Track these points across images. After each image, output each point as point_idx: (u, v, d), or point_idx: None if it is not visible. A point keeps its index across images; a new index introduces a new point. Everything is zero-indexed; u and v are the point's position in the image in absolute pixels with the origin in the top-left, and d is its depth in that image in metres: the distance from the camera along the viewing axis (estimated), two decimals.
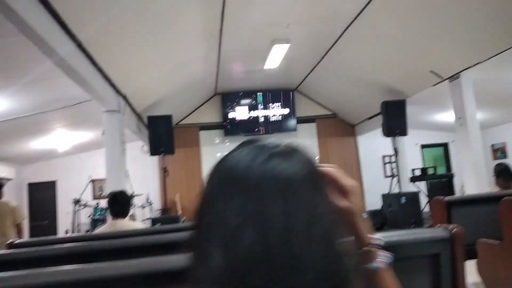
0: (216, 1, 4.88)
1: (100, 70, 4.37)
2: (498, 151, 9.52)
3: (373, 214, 7.18)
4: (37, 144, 7.63)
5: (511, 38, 4.69)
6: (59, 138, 7.60)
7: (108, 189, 5.27)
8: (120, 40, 4.39)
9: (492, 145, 9.63)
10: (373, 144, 9.56)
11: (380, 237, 1.61)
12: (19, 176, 8.85)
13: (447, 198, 3.68)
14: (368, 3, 5.18)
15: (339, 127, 10.00)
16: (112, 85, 4.90)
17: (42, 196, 9.39)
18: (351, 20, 5.73)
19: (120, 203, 3.32)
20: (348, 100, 8.86)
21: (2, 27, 2.91)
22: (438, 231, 1.55)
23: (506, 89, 6.74)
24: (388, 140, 7.46)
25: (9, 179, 8.39)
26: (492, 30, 4.79)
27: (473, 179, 5.95)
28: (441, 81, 6.16)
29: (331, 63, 7.46)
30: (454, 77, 5.95)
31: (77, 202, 7.95)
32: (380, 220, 7.06)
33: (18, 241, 3.03)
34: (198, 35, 5.70)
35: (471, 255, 3.45)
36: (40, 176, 8.97)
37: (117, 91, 5.16)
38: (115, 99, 5.09)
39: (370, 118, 8.86)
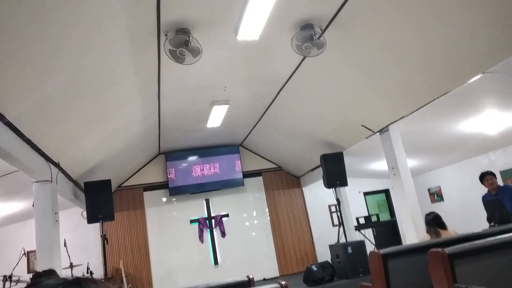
0: (151, 66, 4.98)
1: (27, 140, 4.21)
2: (435, 194, 10.06)
3: (322, 266, 7.18)
4: None
5: (430, 95, 5.15)
6: None
7: (39, 263, 4.90)
8: (51, 110, 4.30)
9: (429, 189, 10.17)
10: (318, 194, 9.77)
11: None
12: None
13: (383, 250, 3.79)
14: (299, 65, 5.52)
15: (285, 179, 10.18)
16: (42, 154, 4.71)
17: None
18: (286, 80, 6.05)
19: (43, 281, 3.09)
20: (291, 153, 9.12)
21: None
22: None
23: (432, 138, 7.27)
24: (331, 189, 7.68)
25: None
26: (413, 88, 5.24)
27: (411, 226, 6.19)
28: (372, 134, 6.56)
29: (271, 120, 7.72)
30: (383, 130, 6.36)
31: (8, 278, 7.27)
32: (330, 272, 7.06)
33: None
34: (136, 98, 5.72)
35: None
36: None
37: (48, 159, 4.96)
38: (46, 169, 4.87)
39: (313, 169, 9.12)
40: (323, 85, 5.96)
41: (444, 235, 4.18)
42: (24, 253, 7.96)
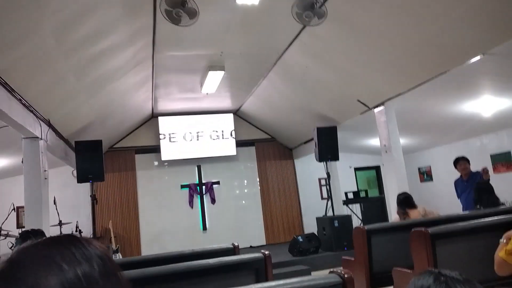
0: (146, 26, 4.84)
1: (17, 97, 4.12)
2: (424, 174, 10.15)
3: (308, 237, 7.30)
4: None
5: (428, 73, 5.08)
6: None
7: (27, 219, 4.93)
8: (41, 66, 4.19)
9: (419, 168, 10.26)
10: (309, 167, 9.82)
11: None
12: None
13: (367, 226, 3.84)
14: (298, 35, 5.40)
15: (277, 151, 10.19)
16: (32, 111, 4.63)
17: None
18: (284, 49, 5.92)
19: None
20: (285, 125, 9.09)
21: None
22: (331, 277, 1.59)
23: (426, 118, 7.25)
24: (322, 163, 7.71)
25: None
26: (412, 65, 5.16)
27: None
28: (367, 110, 6.51)
29: (267, 90, 7.63)
30: (378, 106, 6.31)
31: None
32: (315, 244, 7.19)
33: None
34: (130, 60, 5.59)
35: (388, 281, 3.61)
36: None
37: (38, 117, 4.88)
38: (36, 125, 4.81)
39: (306, 142, 9.12)
40: (321, 56, 5.85)
41: (413, 214, 4.23)
42: (14, 209, 8.00)
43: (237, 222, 9.40)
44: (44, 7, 3.39)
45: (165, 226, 9.02)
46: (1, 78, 3.73)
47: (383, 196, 10.21)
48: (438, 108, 6.65)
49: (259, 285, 1.75)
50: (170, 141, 9.23)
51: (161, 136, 9.16)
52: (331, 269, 1.60)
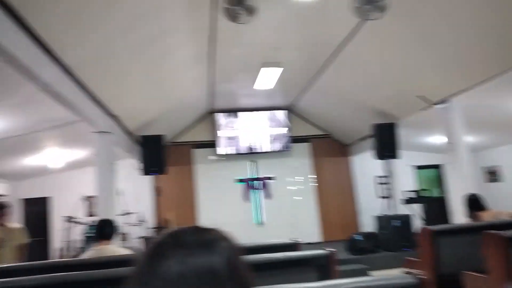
0: (204, 25, 4.97)
1: (89, 93, 4.41)
2: (493, 174, 9.52)
3: (367, 236, 7.15)
4: (30, 161, 7.64)
5: (496, 67, 4.76)
6: (51, 156, 7.61)
7: (99, 208, 5.28)
8: (110, 63, 4.46)
9: (485, 168, 9.64)
10: (367, 165, 9.57)
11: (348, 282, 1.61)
12: (14, 192, 8.83)
13: (434, 227, 3.69)
14: (356, 29, 5.27)
15: (333, 147, 10.04)
16: (103, 107, 4.94)
17: (36, 212, 9.34)
18: (341, 44, 5.81)
19: (106, 230, 3.36)
20: (341, 121, 8.92)
21: None
22: (406, 278, 1.55)
23: (497, 115, 6.79)
24: (381, 160, 7.49)
25: (2, 195, 8.38)
26: (480, 58, 4.86)
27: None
28: (428, 106, 6.22)
29: (324, 85, 7.53)
30: (442, 102, 6.00)
31: (70, 219, 7.93)
32: (373, 243, 7.03)
33: (1, 266, 3.02)
34: (189, 58, 5.77)
35: (455, 285, 3.45)
36: (34, 192, 8.95)
37: (108, 112, 5.20)
38: (106, 121, 5.13)
39: (363, 139, 8.90)
40: (379, 51, 5.68)
41: (484, 217, 3.98)
42: (84, 198, 8.62)
43: (291, 217, 9.41)
44: (112, 6, 3.59)
45: (221, 219, 9.22)
46: (75, 75, 4.00)
47: (444, 197, 9.73)
48: (509, 104, 6.20)
49: (334, 281, 1.76)
50: (226, 136, 9.42)
51: (217, 132, 9.38)
52: (406, 270, 1.56)
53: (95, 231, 3.41)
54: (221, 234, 0.62)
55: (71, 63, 3.72)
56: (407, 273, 1.55)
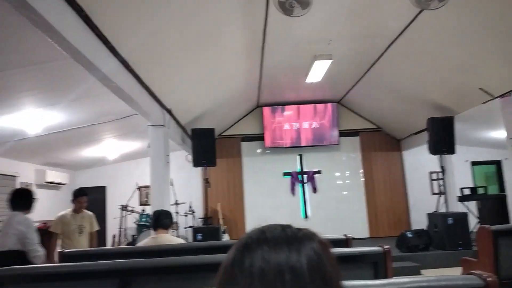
0: (257, 19, 4.99)
1: (146, 87, 4.60)
2: None
3: (418, 233, 6.92)
4: (89, 152, 8.10)
5: None
6: (108, 147, 8.02)
7: (153, 198, 5.51)
8: (164, 57, 4.60)
9: None
10: (419, 160, 9.25)
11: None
12: (73, 181, 9.41)
13: (494, 227, 3.51)
14: (413, 20, 5.07)
15: (383, 141, 9.77)
16: (158, 100, 5.13)
17: (93, 201, 9.87)
18: (396, 36, 5.63)
19: (164, 220, 3.51)
20: (393, 114, 8.65)
21: (55, 51, 3.15)
22: (472, 279, 1.49)
23: None
24: (436, 156, 7.20)
25: (64, 184, 8.96)
26: None
27: None
28: (491, 99, 5.87)
29: (375, 78, 7.33)
30: (505, 95, 5.65)
31: (124, 207, 8.34)
32: (425, 241, 6.80)
33: (67, 251, 3.25)
34: (241, 51, 5.83)
35: None
36: (91, 181, 9.48)
37: (162, 106, 5.39)
38: (160, 114, 5.32)
39: (416, 133, 8.58)
40: (438, 42, 5.42)
41: None
42: (137, 188, 9.02)
43: (338, 212, 9.30)
44: (171, 2, 3.69)
45: (268, 211, 9.30)
46: (133, 70, 4.18)
47: (504, 194, 9.19)
48: None
49: (397, 279, 1.73)
50: (273, 129, 9.45)
51: (265, 125, 9.43)
52: (473, 271, 1.50)
53: (152, 220, 3.57)
54: (310, 234, 0.61)
55: (127, 56, 3.88)
56: (470, 273, 1.49)
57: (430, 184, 9.61)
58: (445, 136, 6.81)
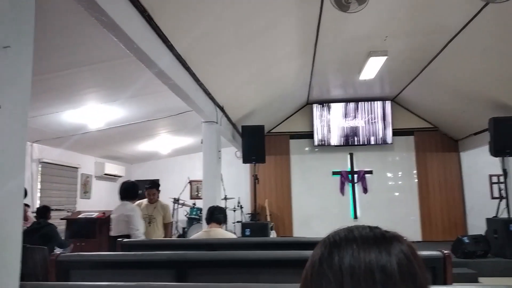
0: (312, 15, 4.95)
1: (200, 84, 4.72)
2: None
3: (476, 239, 6.57)
4: (144, 146, 8.46)
5: None
6: (162, 142, 8.33)
7: (204, 192, 5.65)
8: (218, 55, 4.69)
9: None
10: (479, 162, 8.74)
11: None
12: (129, 173, 9.87)
13: None
14: (476, 15, 4.80)
15: (440, 142, 9.33)
16: (211, 98, 5.24)
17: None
18: (456, 32, 5.35)
19: (217, 215, 3.61)
20: (451, 113, 8.24)
21: (117, 50, 3.31)
22: None
23: None
24: (497, 158, 6.78)
25: (120, 176, 9.42)
26: None
27: None
28: None
29: (433, 75, 7.02)
30: None
31: (176, 201, 8.63)
32: (483, 247, 6.44)
33: (125, 240, 3.42)
34: (293, 48, 5.82)
35: None
36: (146, 174, 9.88)
37: (215, 103, 5.50)
38: (213, 111, 5.44)
39: (476, 133, 8.12)
40: (504, 36, 5.09)
41: None
42: (189, 182, 9.29)
43: (389, 214, 9.02)
44: (228, 7, 3.76)
45: (316, 210, 9.23)
46: (191, 69, 4.30)
47: None
48: None
49: (455, 286, 1.67)
50: (323, 127, 9.34)
51: (314, 123, 9.34)
52: None
53: (207, 214, 3.68)
54: (398, 236, 0.61)
55: (184, 54, 4.00)
56: None
57: (489, 188, 9.05)
58: (509, 137, 6.39)
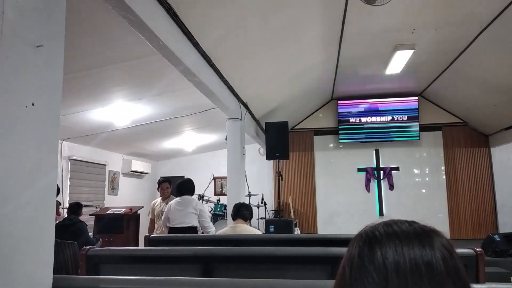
0: (337, 9, 4.87)
1: (225, 81, 4.73)
2: None
3: (508, 237, 6.36)
4: (169, 144, 8.57)
5: None
6: (187, 140, 8.41)
7: (229, 189, 5.68)
8: (243, 51, 4.69)
9: None
10: (510, 157, 8.44)
11: None
12: (154, 170, 10.04)
13: None
14: (509, 4, 4.61)
15: (469, 137, 9.06)
16: (235, 94, 5.25)
17: (173, 190, 10.47)
18: (488, 23, 5.17)
19: (244, 212, 3.64)
20: (482, 107, 7.97)
21: (144, 48, 3.35)
22: None
23: None
24: None
25: (147, 173, 9.59)
26: None
27: None
28: None
29: (462, 68, 6.81)
30: None
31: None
32: None
33: (152, 235, 3.48)
34: (318, 43, 5.75)
35: None
36: (171, 171, 10.02)
37: (239, 99, 5.51)
38: (237, 108, 5.45)
39: (508, 128, 7.84)
40: None
41: None
42: (213, 178, 9.36)
43: (416, 211, 8.83)
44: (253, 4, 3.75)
45: (340, 207, 9.13)
46: (215, 65, 4.32)
47: None
48: None
49: (489, 285, 1.62)
50: (348, 123, 9.22)
51: (339, 119, 9.23)
52: None
53: (233, 210, 3.70)
54: (437, 231, 0.62)
55: (209, 51, 4.01)
56: None
57: None
58: None
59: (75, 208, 5.25)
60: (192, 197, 4.98)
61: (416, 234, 0.59)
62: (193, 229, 4.66)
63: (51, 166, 1.63)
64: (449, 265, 0.56)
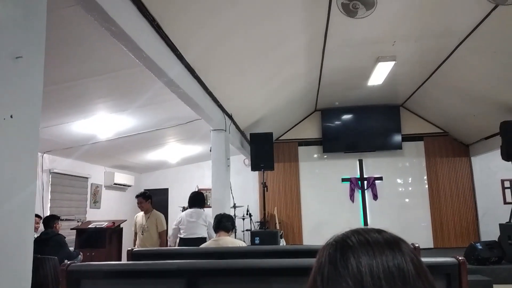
0: (319, 21, 4.95)
1: (209, 93, 4.73)
2: None
3: (489, 245, 6.46)
4: (153, 155, 8.48)
5: None
6: (171, 151, 8.34)
7: (213, 201, 5.64)
8: (226, 63, 4.70)
9: None
10: (490, 167, 8.63)
11: None
12: (138, 183, 9.90)
13: None
14: (486, 17, 4.76)
15: (450, 147, 9.24)
16: (219, 106, 5.25)
17: (157, 202, 10.31)
18: (466, 34, 5.32)
19: (225, 223, 3.59)
20: (462, 118, 8.16)
21: (127, 60, 3.33)
22: None
23: None
24: (509, 162, 6.68)
25: (130, 185, 9.45)
26: None
27: None
28: None
29: (442, 79, 6.97)
30: None
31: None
32: (497, 253, 6.32)
33: (135, 249, 3.42)
34: (301, 55, 5.82)
35: None
36: (155, 183, 9.91)
37: (224, 111, 5.51)
38: (222, 119, 5.44)
39: (487, 138, 8.03)
40: None
41: None
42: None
43: (400, 220, 8.92)
44: (235, 7, 3.76)
45: (326, 217, 9.15)
46: (199, 77, 4.32)
47: None
48: None
49: None
50: (332, 134, 9.30)
51: (322, 129, 9.31)
52: None
53: (214, 223, 3.66)
54: (401, 238, 0.65)
55: (192, 62, 4.01)
56: None
57: (502, 193, 8.91)
58: None
59: (50, 220, 5.14)
60: (201, 209, 5.20)
61: (386, 240, 0.62)
62: (203, 240, 4.79)
63: (29, 179, 1.59)
64: (418, 268, 0.59)
